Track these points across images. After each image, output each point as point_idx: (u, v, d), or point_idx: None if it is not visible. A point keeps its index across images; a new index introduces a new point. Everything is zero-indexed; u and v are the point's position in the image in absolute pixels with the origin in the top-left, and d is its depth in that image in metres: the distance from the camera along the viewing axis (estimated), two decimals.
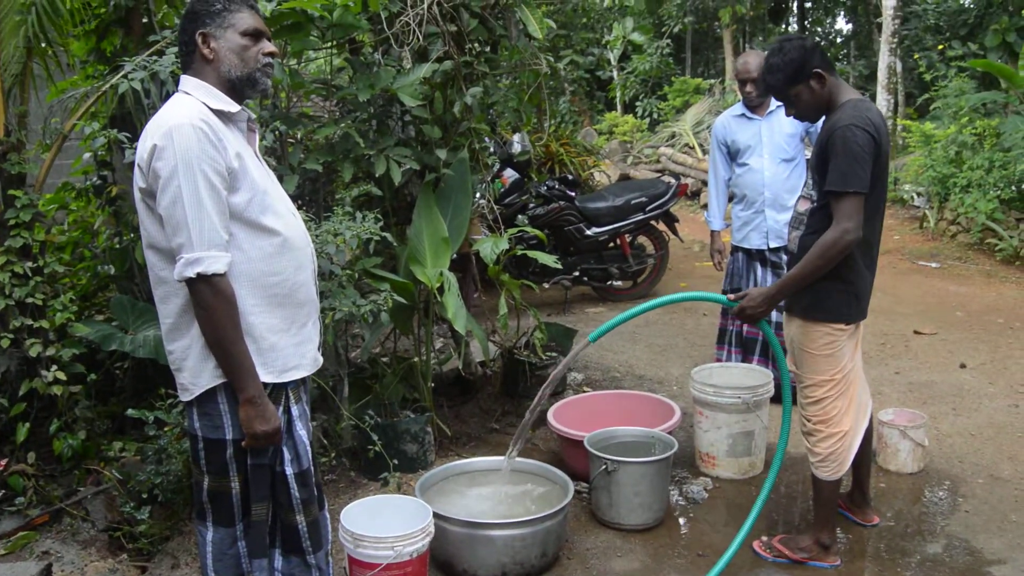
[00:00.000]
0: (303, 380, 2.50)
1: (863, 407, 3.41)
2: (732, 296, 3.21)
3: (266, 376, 2.33)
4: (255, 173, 2.33)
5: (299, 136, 4.44)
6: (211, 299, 2.20)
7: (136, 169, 2.27)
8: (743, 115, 4.99)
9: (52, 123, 4.24)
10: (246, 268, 2.30)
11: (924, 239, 9.49)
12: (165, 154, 2.17)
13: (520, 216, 7.01)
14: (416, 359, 4.45)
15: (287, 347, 2.39)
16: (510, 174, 7.07)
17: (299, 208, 4.55)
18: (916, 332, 6.35)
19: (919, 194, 10.23)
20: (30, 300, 3.88)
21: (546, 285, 7.13)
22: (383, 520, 3.11)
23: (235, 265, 2.27)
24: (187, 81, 2.35)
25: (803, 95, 3.19)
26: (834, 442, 3.28)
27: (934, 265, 8.61)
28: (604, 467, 3.58)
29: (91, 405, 4.12)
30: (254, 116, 2.51)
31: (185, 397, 2.37)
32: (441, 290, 4.09)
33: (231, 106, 2.35)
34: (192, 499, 2.66)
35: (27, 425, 3.89)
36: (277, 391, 2.39)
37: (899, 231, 9.81)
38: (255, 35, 2.38)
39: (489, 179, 6.35)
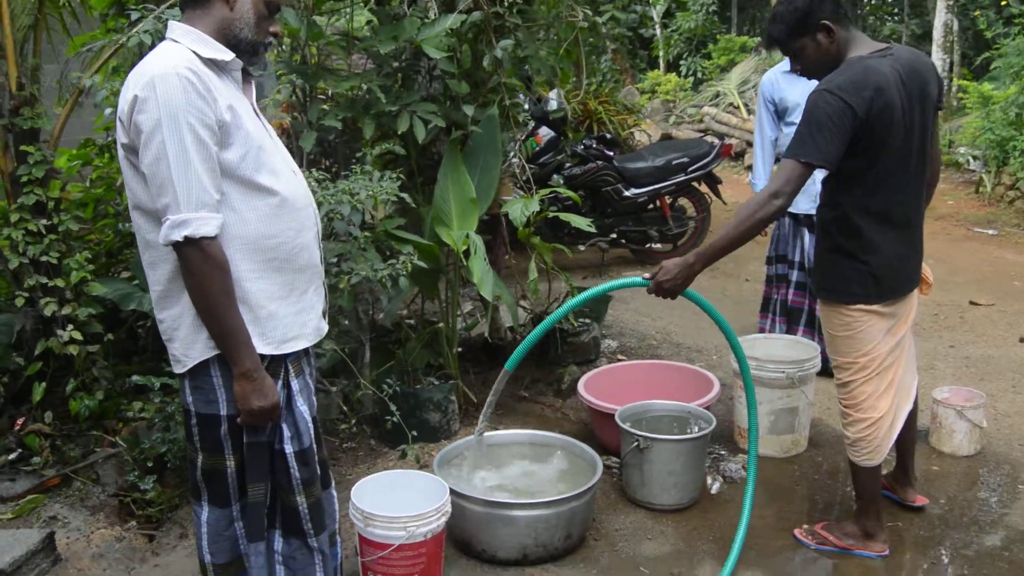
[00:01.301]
0: (305, 351, 2.31)
1: (905, 389, 3.12)
2: (647, 275, 2.88)
3: (264, 347, 2.15)
4: (250, 127, 2.12)
5: (329, 92, 4.23)
6: (201, 265, 2.01)
7: (117, 123, 2.07)
8: (792, 72, 4.67)
9: (71, 77, 4.09)
10: (240, 231, 2.10)
11: (980, 205, 9.06)
12: (147, 106, 1.96)
13: (555, 176, 6.78)
14: (441, 324, 4.26)
15: (287, 316, 2.20)
16: (545, 132, 6.80)
17: (320, 167, 4.38)
18: (972, 303, 6.02)
19: (975, 157, 9.77)
20: (44, 258, 3.77)
21: (582, 247, 6.90)
22: (398, 496, 2.94)
23: (228, 227, 2.07)
24: (175, 28, 2.14)
25: (808, 49, 2.88)
26: (864, 428, 3.02)
27: (991, 232, 8.21)
28: (636, 444, 3.38)
29: (109, 365, 4.01)
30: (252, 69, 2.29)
31: (177, 369, 2.20)
32: (467, 253, 3.88)
33: (224, 54, 2.12)
34: (187, 476, 2.50)
35: (43, 385, 3.80)
36: (276, 364, 2.20)
37: (953, 196, 9.39)
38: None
39: (523, 138, 6.10)
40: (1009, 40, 9.76)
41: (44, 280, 3.77)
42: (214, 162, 2.02)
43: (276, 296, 2.17)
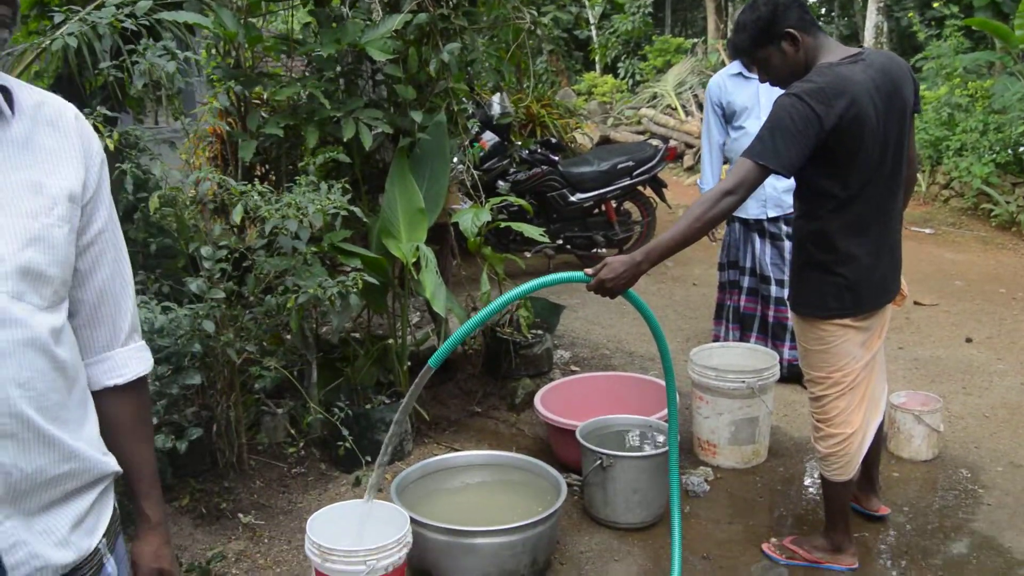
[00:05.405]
0: None
1: (876, 402, 3.05)
2: (589, 271, 2.59)
3: None
4: None
5: (265, 97, 4.04)
6: None
7: None
8: (740, 74, 4.63)
9: None
10: None
11: (916, 204, 9.19)
12: None
13: (500, 182, 6.66)
14: (391, 340, 4.10)
15: None
16: (490, 137, 6.67)
17: (256, 175, 4.18)
18: (916, 303, 6.06)
19: None
20: None
21: (527, 254, 6.78)
22: (355, 527, 2.78)
23: None
24: None
25: (773, 59, 2.78)
26: (836, 443, 2.95)
27: (928, 231, 8.34)
28: (599, 462, 3.27)
29: None
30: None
31: None
32: (417, 266, 3.73)
33: None
34: None
35: None
36: None
37: None
38: None
39: (468, 143, 5.96)
40: (940, 42, 9.93)
41: None
42: None
43: None
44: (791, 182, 3.03)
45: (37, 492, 1.26)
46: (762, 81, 2.95)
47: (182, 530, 3.25)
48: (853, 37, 17.85)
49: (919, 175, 9.39)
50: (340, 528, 2.75)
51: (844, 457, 2.95)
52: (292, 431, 3.83)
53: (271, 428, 3.89)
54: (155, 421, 3.19)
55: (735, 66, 4.66)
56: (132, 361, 1.47)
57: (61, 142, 1.34)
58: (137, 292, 3.23)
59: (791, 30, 2.73)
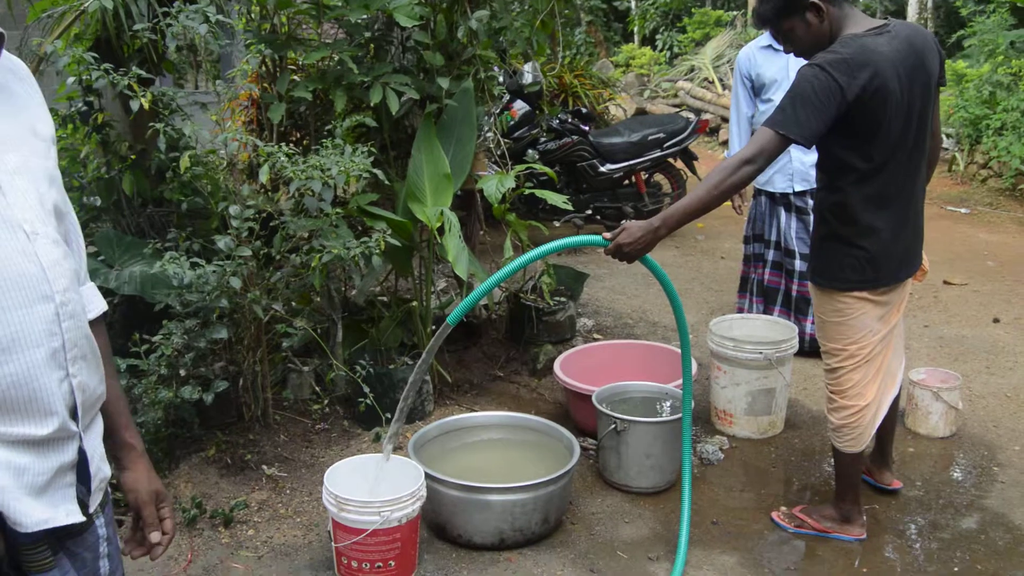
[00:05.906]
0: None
1: (891, 376, 3.07)
2: (608, 235, 2.65)
3: None
4: None
5: (300, 62, 4.10)
6: None
7: None
8: (770, 47, 4.60)
9: (32, 44, 3.93)
10: None
11: (953, 183, 9.08)
12: None
13: (530, 151, 6.69)
14: (415, 303, 4.18)
15: None
16: (520, 106, 6.70)
17: (290, 140, 4.25)
18: (946, 282, 6.02)
19: (948, 136, 9.78)
20: None
21: (557, 224, 6.82)
22: (372, 480, 2.87)
23: None
24: None
25: (798, 30, 2.77)
26: (848, 415, 2.98)
27: (963, 211, 8.24)
28: (613, 426, 3.32)
29: None
30: None
31: None
32: (441, 230, 3.80)
33: None
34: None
35: None
36: None
37: None
38: None
39: (497, 111, 6.00)
40: (984, 18, 9.74)
41: None
42: None
43: None
44: (817, 156, 3.04)
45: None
46: (786, 52, 2.95)
47: (208, 479, 3.37)
48: (899, 13, 17.54)
49: (957, 154, 9.26)
50: (357, 480, 2.85)
51: (856, 429, 2.98)
52: (317, 389, 3.93)
53: (297, 385, 3.99)
54: (183, 374, 3.30)
55: (765, 38, 4.63)
56: (95, 298, 1.51)
57: (28, 90, 1.37)
58: (168, 249, 3.34)
59: (815, 0, 2.73)
